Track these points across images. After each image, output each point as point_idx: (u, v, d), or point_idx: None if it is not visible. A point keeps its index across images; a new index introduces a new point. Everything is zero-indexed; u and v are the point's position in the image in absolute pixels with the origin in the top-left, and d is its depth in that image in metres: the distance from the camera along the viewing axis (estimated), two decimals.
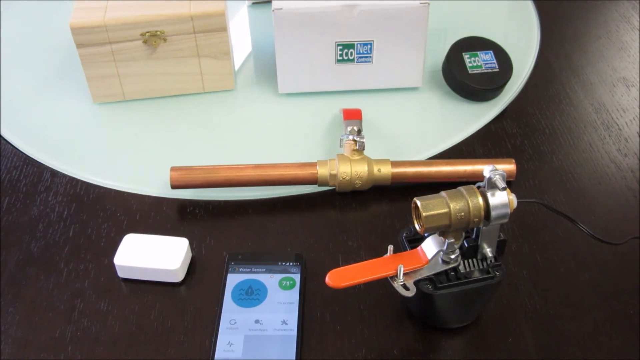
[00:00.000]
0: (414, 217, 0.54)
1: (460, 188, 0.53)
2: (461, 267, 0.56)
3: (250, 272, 0.63)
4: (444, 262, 0.55)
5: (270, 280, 0.63)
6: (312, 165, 0.71)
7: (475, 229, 0.55)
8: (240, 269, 0.63)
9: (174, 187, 0.71)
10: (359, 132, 0.73)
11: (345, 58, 0.81)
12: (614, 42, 0.94)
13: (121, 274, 0.64)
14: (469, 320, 0.60)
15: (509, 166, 0.72)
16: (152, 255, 0.63)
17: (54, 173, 0.76)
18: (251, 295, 0.61)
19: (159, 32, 0.77)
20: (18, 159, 0.78)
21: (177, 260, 0.63)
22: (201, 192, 0.72)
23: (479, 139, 0.79)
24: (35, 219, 0.70)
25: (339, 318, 0.61)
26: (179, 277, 0.63)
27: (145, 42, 0.78)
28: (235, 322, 0.59)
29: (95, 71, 0.80)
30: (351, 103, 0.82)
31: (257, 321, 0.59)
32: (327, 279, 0.53)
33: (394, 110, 0.83)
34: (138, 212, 0.71)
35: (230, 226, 0.69)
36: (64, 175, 0.75)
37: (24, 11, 1.00)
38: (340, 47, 0.80)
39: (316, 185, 0.72)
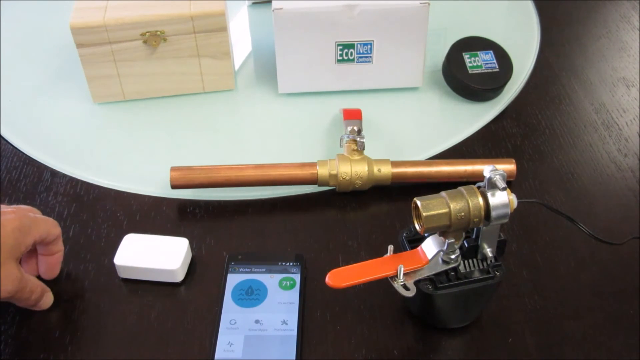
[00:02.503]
0: (414, 217, 0.54)
1: (461, 188, 0.53)
2: (461, 267, 0.56)
3: (250, 272, 0.63)
4: (444, 262, 0.55)
5: (270, 280, 0.62)
6: (312, 165, 0.71)
7: (475, 229, 0.55)
8: (240, 269, 0.63)
9: (174, 187, 0.71)
10: (359, 132, 0.73)
11: (345, 58, 0.81)
12: (614, 42, 0.94)
13: (121, 274, 0.64)
14: (469, 320, 0.60)
15: (509, 166, 0.72)
16: (152, 255, 0.63)
17: (54, 173, 0.76)
18: (251, 296, 0.61)
19: (159, 32, 0.77)
20: (18, 159, 0.78)
21: (177, 260, 0.63)
22: (201, 192, 0.72)
23: (479, 139, 0.79)
24: None
25: (339, 318, 0.61)
26: (179, 277, 0.63)
27: (145, 42, 0.78)
28: (235, 322, 0.59)
29: (95, 71, 0.80)
30: (351, 103, 0.82)
31: (257, 321, 0.59)
32: (327, 279, 0.53)
33: (394, 110, 0.83)
34: (138, 212, 0.71)
35: (230, 226, 0.69)
36: (64, 175, 0.75)
37: (24, 11, 1.00)
38: (340, 47, 0.80)
39: (316, 185, 0.72)
